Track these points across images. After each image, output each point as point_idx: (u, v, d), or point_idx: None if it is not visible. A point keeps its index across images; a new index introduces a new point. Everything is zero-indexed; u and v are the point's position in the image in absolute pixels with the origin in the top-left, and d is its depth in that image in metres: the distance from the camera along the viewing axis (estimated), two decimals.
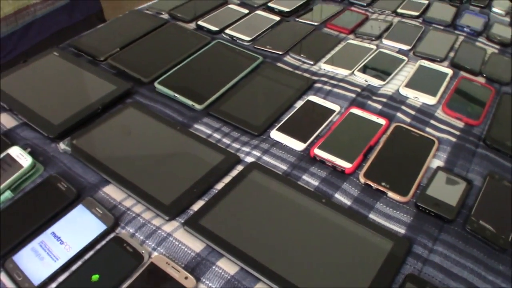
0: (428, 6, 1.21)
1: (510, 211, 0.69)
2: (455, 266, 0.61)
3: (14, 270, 0.57)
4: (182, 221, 0.64)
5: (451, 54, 1.01)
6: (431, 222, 0.66)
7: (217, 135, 0.79)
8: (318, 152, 0.74)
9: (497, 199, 0.70)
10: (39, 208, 0.65)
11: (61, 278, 0.57)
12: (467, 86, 0.91)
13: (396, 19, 1.15)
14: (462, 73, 0.96)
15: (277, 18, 1.12)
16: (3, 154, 0.71)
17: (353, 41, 1.04)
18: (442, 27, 1.12)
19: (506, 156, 0.78)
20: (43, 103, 0.81)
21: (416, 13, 1.16)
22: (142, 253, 0.59)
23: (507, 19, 1.18)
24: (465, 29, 1.10)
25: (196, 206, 0.66)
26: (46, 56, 0.93)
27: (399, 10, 1.18)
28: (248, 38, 1.04)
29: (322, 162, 0.74)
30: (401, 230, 0.65)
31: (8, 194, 0.67)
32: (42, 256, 0.59)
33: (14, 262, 0.58)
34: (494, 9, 1.21)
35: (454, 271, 0.60)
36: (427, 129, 0.81)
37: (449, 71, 0.94)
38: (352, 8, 1.20)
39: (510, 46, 1.07)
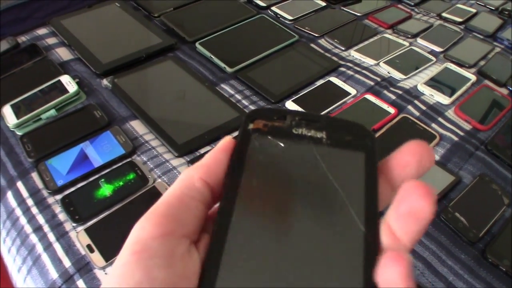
0: (475, 14, 1.23)
1: (489, 211, 0.73)
2: (419, 245, 0.67)
3: (44, 172, 0.70)
4: (188, 160, 0.74)
5: (482, 63, 1.04)
6: None
7: (238, 96, 0.88)
8: None
9: (480, 197, 0.75)
10: (75, 128, 0.77)
11: (80, 184, 0.69)
12: (487, 93, 0.95)
13: (438, 22, 1.18)
14: (487, 82, 0.99)
15: (323, 4, 1.18)
16: (55, 80, 0.83)
17: (389, 35, 1.09)
18: (481, 37, 1.14)
19: (504, 163, 0.82)
20: (97, 44, 0.93)
21: (460, 19, 1.18)
22: (148, 178, 0.70)
23: None
24: (504, 41, 1.12)
25: (203, 150, 0.76)
26: (108, 5, 1.05)
27: (444, 14, 1.20)
28: (290, 17, 1.11)
29: None
30: None
31: (53, 112, 0.79)
32: (68, 165, 0.71)
33: (45, 165, 0.71)
34: None
35: (416, 249, 0.67)
36: (433, 125, 0.86)
37: (473, 77, 0.97)
38: (399, 5, 1.24)
39: None
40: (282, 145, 0.26)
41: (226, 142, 0.26)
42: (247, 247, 0.23)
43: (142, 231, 0.23)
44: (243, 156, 0.25)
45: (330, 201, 0.24)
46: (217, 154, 0.26)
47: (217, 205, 0.25)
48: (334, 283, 0.22)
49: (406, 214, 0.22)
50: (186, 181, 0.25)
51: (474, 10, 1.24)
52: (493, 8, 1.28)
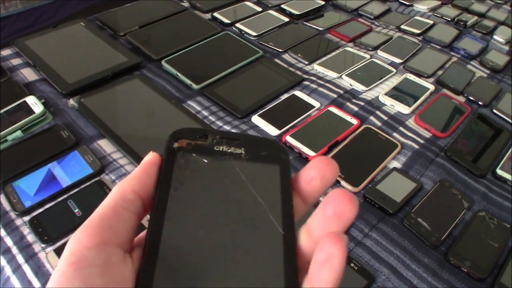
0: (432, 26, 1.28)
1: (450, 215, 0.76)
2: (384, 251, 0.69)
3: (11, 194, 0.70)
4: None
5: (439, 72, 1.09)
6: (374, 212, 0.75)
7: (205, 112, 0.90)
8: (289, 139, 0.84)
9: (441, 202, 0.77)
10: (42, 148, 0.77)
11: (48, 205, 0.69)
12: (445, 102, 0.99)
13: (398, 34, 1.23)
14: (445, 91, 1.03)
15: (286, 19, 1.21)
16: (20, 101, 0.83)
17: (350, 48, 1.13)
18: (439, 47, 1.19)
19: (462, 168, 0.85)
20: (63, 64, 0.93)
21: (418, 31, 1.23)
22: None
23: (506, 47, 1.24)
24: (460, 51, 1.17)
25: None
26: (73, 25, 1.05)
27: (403, 27, 1.25)
28: (254, 33, 1.14)
29: (290, 148, 0.83)
30: None
31: (19, 133, 0.79)
32: (36, 186, 0.71)
33: (12, 187, 0.70)
34: (495, 37, 1.27)
35: (382, 255, 0.69)
36: (395, 134, 0.89)
37: (431, 87, 1.02)
38: (360, 19, 1.29)
39: (501, 72, 1.14)
40: (205, 161, 0.28)
41: (153, 157, 0.28)
42: (179, 254, 0.24)
43: (77, 243, 0.24)
44: (170, 172, 0.27)
45: (252, 209, 0.27)
46: (146, 168, 0.27)
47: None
48: (262, 281, 0.24)
49: (331, 215, 0.24)
50: (120, 193, 0.26)
51: (431, 22, 1.30)
52: (449, 19, 1.34)
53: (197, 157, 0.28)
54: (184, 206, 0.26)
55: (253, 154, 0.29)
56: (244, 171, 0.28)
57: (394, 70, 1.06)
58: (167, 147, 0.29)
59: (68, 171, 0.73)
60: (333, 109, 0.91)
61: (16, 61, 0.98)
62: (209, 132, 0.30)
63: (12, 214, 0.68)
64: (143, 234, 0.27)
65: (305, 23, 1.23)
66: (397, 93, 0.99)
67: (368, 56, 1.10)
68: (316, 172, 0.27)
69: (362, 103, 0.95)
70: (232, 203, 0.27)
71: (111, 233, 0.24)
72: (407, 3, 1.41)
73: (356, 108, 0.94)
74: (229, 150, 0.29)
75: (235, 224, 0.26)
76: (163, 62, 0.99)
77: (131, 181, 0.27)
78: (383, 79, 1.03)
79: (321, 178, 0.27)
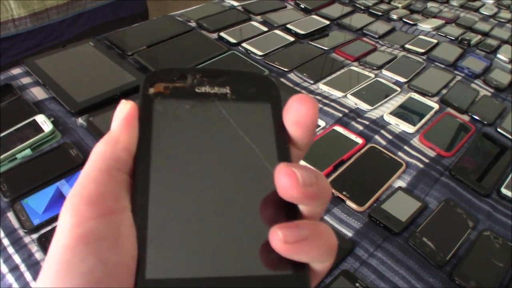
0: (436, 45, 1.29)
1: (455, 234, 0.77)
2: (389, 271, 0.69)
3: (20, 211, 0.71)
4: None
5: (444, 91, 1.09)
6: (378, 231, 0.75)
7: None
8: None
9: (446, 222, 0.78)
10: (51, 167, 0.78)
11: (56, 223, 0.70)
12: (449, 121, 0.99)
13: (402, 54, 1.24)
14: (450, 110, 1.04)
15: (292, 39, 1.23)
16: (30, 119, 0.85)
17: (355, 68, 1.14)
18: (443, 66, 1.20)
19: (467, 187, 0.85)
20: (72, 83, 0.95)
21: (422, 50, 1.24)
22: None
23: (510, 66, 1.25)
24: (464, 70, 1.18)
25: None
26: (82, 44, 1.07)
27: (407, 46, 1.27)
28: (260, 53, 1.15)
29: None
30: (349, 234, 0.74)
31: (28, 151, 0.80)
32: (44, 204, 0.72)
33: (21, 205, 0.71)
34: (499, 55, 1.28)
35: (387, 275, 0.69)
36: (399, 153, 0.90)
37: (436, 106, 1.02)
38: (364, 38, 1.30)
39: (505, 91, 1.14)
40: (187, 106, 0.25)
41: (131, 107, 0.24)
42: (170, 213, 0.22)
43: (78, 215, 0.20)
44: (149, 123, 0.24)
45: (244, 156, 0.24)
46: (130, 121, 0.24)
47: None
48: (258, 233, 0.22)
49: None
50: (110, 152, 0.23)
51: (435, 41, 1.31)
52: (453, 38, 1.35)
53: (178, 102, 0.25)
54: (170, 160, 0.23)
55: (240, 92, 0.26)
56: (232, 113, 0.25)
57: (399, 89, 1.07)
58: (142, 94, 0.25)
59: None
60: (338, 128, 0.92)
61: (26, 80, 0.99)
62: (187, 72, 0.26)
63: (21, 232, 0.69)
64: None
65: (310, 42, 1.24)
66: (402, 112, 0.99)
67: (372, 75, 1.11)
68: (290, 119, 0.24)
69: (367, 122, 0.96)
70: (222, 151, 0.24)
71: (113, 199, 0.21)
72: (411, 23, 1.43)
73: (361, 127, 0.95)
74: (213, 91, 0.26)
75: (227, 175, 0.23)
76: None
77: (120, 137, 0.23)
78: (388, 98, 1.04)
79: (296, 125, 0.24)
